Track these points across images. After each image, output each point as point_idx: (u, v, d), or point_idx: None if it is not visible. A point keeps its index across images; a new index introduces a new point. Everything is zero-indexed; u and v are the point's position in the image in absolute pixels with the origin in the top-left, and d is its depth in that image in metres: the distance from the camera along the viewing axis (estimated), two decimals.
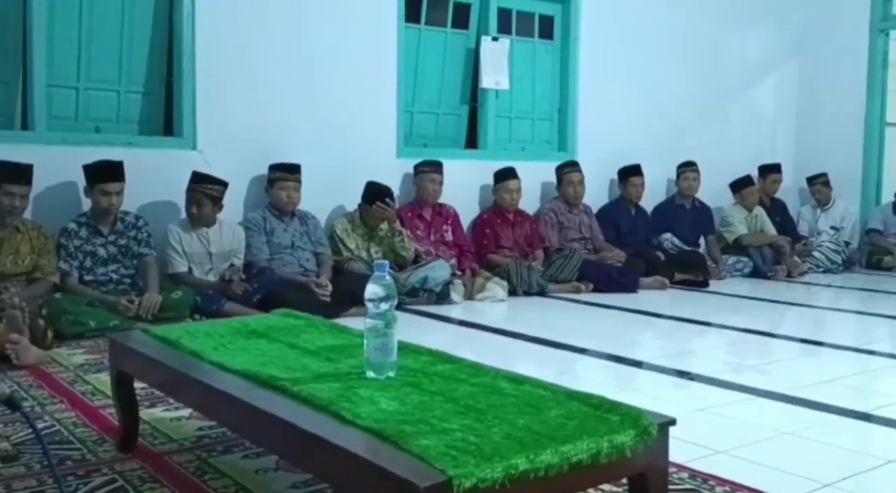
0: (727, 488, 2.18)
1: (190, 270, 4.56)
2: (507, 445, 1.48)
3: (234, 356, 2.15)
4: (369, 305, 1.86)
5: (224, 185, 4.60)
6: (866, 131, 7.59)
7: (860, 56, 7.55)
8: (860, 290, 6.27)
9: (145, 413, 2.70)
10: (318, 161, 5.01)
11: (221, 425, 2.43)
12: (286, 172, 4.84)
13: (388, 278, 1.86)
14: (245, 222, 4.83)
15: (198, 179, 4.56)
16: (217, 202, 4.59)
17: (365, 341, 1.90)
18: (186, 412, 2.73)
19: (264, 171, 4.98)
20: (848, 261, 7.21)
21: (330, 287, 4.60)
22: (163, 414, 2.76)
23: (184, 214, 4.67)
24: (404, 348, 2.11)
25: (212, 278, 4.60)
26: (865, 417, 2.91)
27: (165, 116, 4.94)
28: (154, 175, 4.67)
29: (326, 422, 1.64)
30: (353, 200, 5.21)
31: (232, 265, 4.68)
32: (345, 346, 2.24)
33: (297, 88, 5.17)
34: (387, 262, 1.91)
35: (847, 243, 7.36)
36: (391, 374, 1.90)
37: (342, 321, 3.00)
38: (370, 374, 1.90)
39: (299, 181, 4.88)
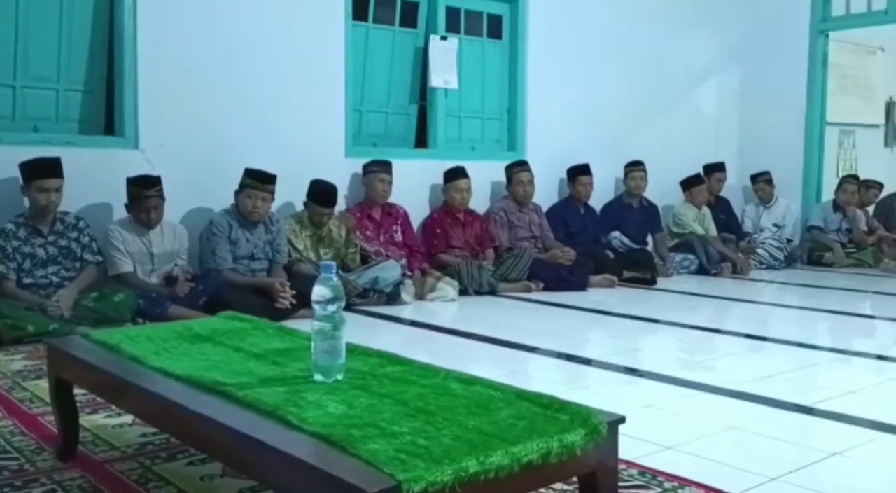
0: (676, 483, 2.20)
1: (134, 269, 4.45)
2: (457, 447, 1.47)
3: (176, 361, 2.10)
4: (316, 307, 1.83)
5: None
6: (807, 131, 7.77)
7: (800, 57, 7.73)
8: (802, 286, 6.41)
9: (86, 420, 2.63)
10: (264, 161, 4.91)
11: (164, 432, 2.37)
12: (257, 181, 4.66)
13: (335, 279, 1.83)
14: (209, 227, 4.69)
15: (149, 183, 4.44)
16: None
17: (312, 344, 1.86)
18: (129, 418, 2.66)
19: (210, 170, 4.90)
20: (790, 257, 7.38)
21: (290, 291, 4.48)
22: (104, 421, 2.68)
23: (123, 214, 4.55)
24: (353, 349, 2.08)
25: (154, 279, 4.50)
26: (808, 410, 2.96)
27: (106, 114, 4.82)
28: (95, 175, 4.55)
29: (272, 428, 1.61)
30: (301, 200, 5.15)
31: (176, 266, 4.58)
32: (292, 349, 2.20)
33: (242, 87, 5.09)
34: (334, 263, 1.88)
35: (789, 241, 7.53)
36: (339, 377, 1.87)
37: (289, 324, 2.95)
38: (318, 377, 1.87)
39: (270, 192, 4.72)
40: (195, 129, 4.91)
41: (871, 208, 7.89)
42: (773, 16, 7.81)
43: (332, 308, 1.82)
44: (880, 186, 7.99)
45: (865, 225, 7.64)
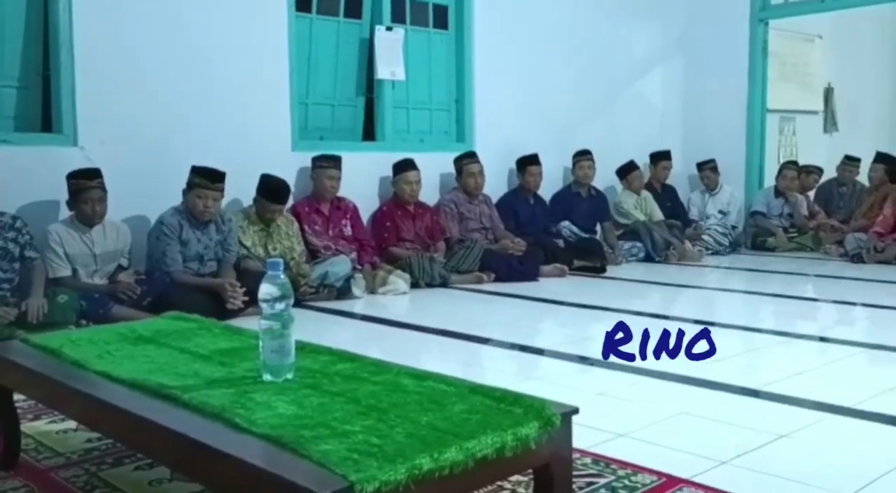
0: (629, 470, 2.22)
1: (75, 272, 4.33)
2: (411, 444, 1.45)
3: (120, 364, 2.04)
4: (264, 305, 1.80)
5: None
6: (749, 118, 7.91)
7: (741, 46, 7.86)
8: (746, 270, 6.54)
9: (28, 427, 2.55)
10: (208, 156, 4.81)
11: (109, 438, 2.31)
12: (207, 180, 4.52)
13: (282, 277, 1.80)
14: (159, 227, 4.56)
15: (90, 174, 4.31)
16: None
17: (260, 343, 1.83)
18: (73, 423, 2.58)
19: (153, 167, 4.79)
20: (734, 243, 7.51)
21: (240, 291, 4.37)
22: (48, 427, 2.61)
23: (65, 214, 4.42)
24: (303, 347, 2.05)
25: (97, 280, 4.37)
26: (755, 393, 3.02)
27: (43, 111, 4.67)
28: (32, 174, 4.41)
29: (220, 430, 1.58)
30: (247, 196, 5.06)
31: (120, 266, 4.47)
32: (239, 349, 2.16)
33: (184, 80, 4.97)
34: (281, 260, 1.85)
35: (734, 227, 7.67)
36: (289, 376, 1.84)
37: (237, 322, 2.91)
38: (267, 377, 1.83)
39: (221, 191, 4.60)
40: (136, 124, 4.79)
41: (811, 193, 8.07)
42: (713, 4, 7.92)
43: (280, 306, 1.79)
44: (820, 171, 8.18)
45: (806, 210, 7.81)
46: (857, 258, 6.70)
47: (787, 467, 2.26)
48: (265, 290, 1.78)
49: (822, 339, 4.02)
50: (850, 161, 7.90)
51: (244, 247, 4.92)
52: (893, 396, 2.94)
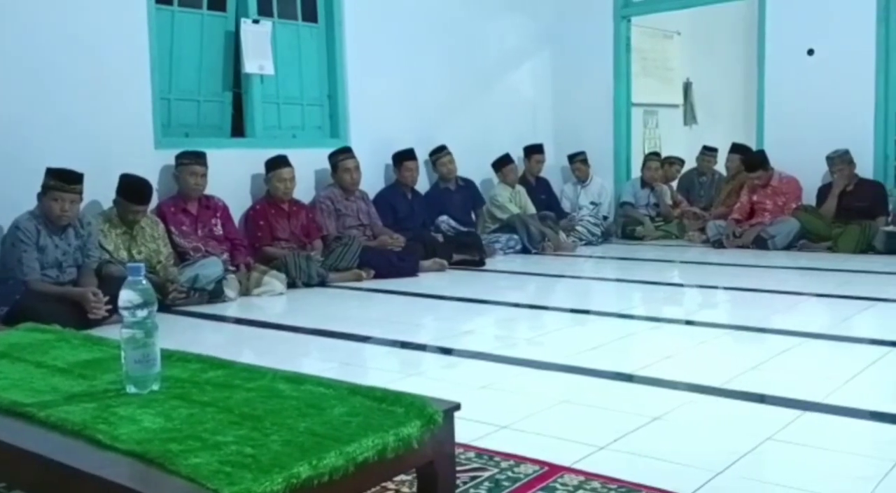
0: (512, 462, 2.22)
1: None
2: (288, 452, 1.39)
3: None
4: (125, 313, 1.69)
5: None
6: (615, 112, 8.18)
7: (606, 42, 8.12)
8: (617, 259, 6.76)
9: None
10: (66, 157, 4.52)
11: None
12: (63, 182, 4.23)
13: (144, 282, 1.69)
14: (14, 232, 4.23)
15: None
16: None
17: (122, 354, 1.72)
18: None
19: (4, 170, 4.46)
20: (606, 233, 7.76)
21: (103, 300, 4.12)
22: None
23: None
24: (170, 356, 1.95)
25: None
26: (629, 378, 3.10)
27: None
28: None
29: (81, 449, 1.47)
30: (107, 197, 4.80)
31: None
32: (101, 360, 2.02)
33: (37, 78, 4.66)
34: (142, 265, 1.74)
35: (605, 217, 7.92)
36: (155, 387, 1.74)
37: (98, 332, 2.74)
38: (131, 389, 1.72)
39: (78, 193, 4.31)
40: None
41: (675, 183, 8.44)
42: (579, 2, 8.14)
43: (142, 314, 1.68)
44: (681, 161, 8.57)
45: (670, 199, 8.15)
46: (717, 244, 7.04)
47: (661, 448, 2.33)
48: (125, 296, 1.68)
49: (689, 322, 4.20)
50: (709, 151, 8.31)
51: (106, 251, 4.66)
52: (757, 374, 3.09)
